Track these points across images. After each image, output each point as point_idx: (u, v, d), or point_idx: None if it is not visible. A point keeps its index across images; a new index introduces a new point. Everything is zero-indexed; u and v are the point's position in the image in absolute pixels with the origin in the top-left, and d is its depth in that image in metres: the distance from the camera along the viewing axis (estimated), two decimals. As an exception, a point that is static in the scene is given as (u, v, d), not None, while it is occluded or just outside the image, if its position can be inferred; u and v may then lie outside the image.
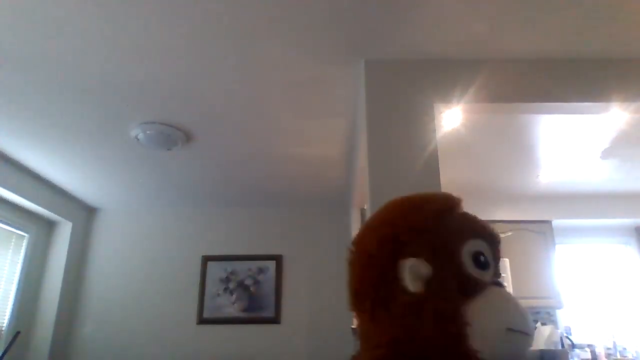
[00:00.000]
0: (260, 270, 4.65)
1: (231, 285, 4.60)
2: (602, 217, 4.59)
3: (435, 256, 0.74)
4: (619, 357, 3.84)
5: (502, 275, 0.82)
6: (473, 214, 0.86)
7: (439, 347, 0.69)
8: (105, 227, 4.85)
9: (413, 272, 0.72)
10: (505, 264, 3.90)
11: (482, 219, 0.87)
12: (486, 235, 0.79)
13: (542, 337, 3.48)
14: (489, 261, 0.77)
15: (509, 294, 0.77)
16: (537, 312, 4.42)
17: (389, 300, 0.73)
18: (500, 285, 0.77)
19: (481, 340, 0.68)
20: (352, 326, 4.04)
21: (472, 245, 0.76)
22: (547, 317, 4.45)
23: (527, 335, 0.73)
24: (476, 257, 0.76)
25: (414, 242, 0.75)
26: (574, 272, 4.74)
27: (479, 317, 0.70)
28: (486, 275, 0.76)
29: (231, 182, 4.18)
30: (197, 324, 4.47)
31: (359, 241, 0.84)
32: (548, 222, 4.43)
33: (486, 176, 4.14)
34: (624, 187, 4.29)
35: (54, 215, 4.26)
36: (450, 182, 3.29)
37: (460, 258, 0.74)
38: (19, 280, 4.02)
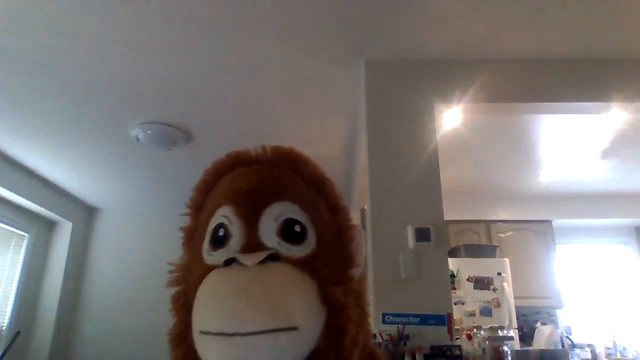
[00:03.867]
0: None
1: (231, 285, 4.59)
2: (602, 217, 4.59)
3: (188, 245, 0.63)
4: (619, 357, 3.84)
5: (288, 230, 0.56)
6: (256, 162, 0.64)
7: (172, 347, 0.60)
8: (105, 227, 4.85)
9: (174, 264, 0.63)
10: (506, 263, 3.90)
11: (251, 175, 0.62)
12: (231, 196, 0.57)
13: (542, 337, 3.48)
14: (229, 232, 0.56)
15: (223, 278, 0.52)
16: (538, 312, 4.42)
17: None
18: (229, 263, 0.53)
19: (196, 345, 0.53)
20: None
21: (215, 219, 0.58)
22: (547, 317, 4.45)
23: (228, 336, 0.47)
24: (213, 234, 0.57)
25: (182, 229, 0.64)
26: (574, 272, 4.74)
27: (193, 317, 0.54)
28: (223, 254, 0.55)
29: (231, 182, 4.18)
30: (197, 324, 4.47)
31: None
32: (548, 222, 4.43)
33: (486, 176, 4.14)
34: (624, 187, 4.29)
35: (54, 215, 4.26)
36: (450, 182, 3.31)
37: (202, 240, 0.59)
38: (19, 280, 4.02)
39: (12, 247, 3.99)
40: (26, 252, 4.13)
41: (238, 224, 0.55)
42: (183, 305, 0.59)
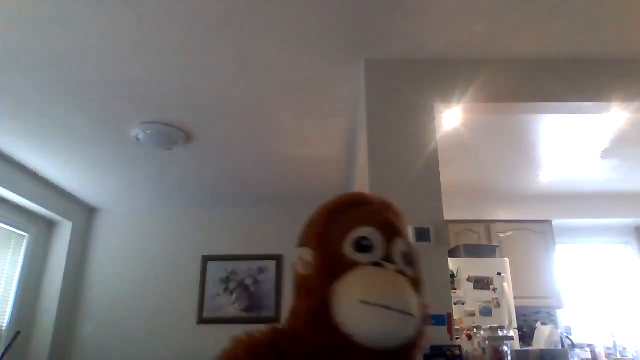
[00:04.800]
0: (261, 270, 4.65)
1: (231, 285, 4.60)
2: (602, 217, 4.59)
3: (319, 245, 0.84)
4: (619, 357, 3.84)
5: (405, 258, 0.82)
6: (381, 205, 0.92)
7: (306, 321, 0.78)
8: (105, 227, 4.85)
9: (300, 259, 0.85)
10: (506, 263, 3.90)
11: (393, 210, 0.92)
12: (375, 222, 0.83)
13: (542, 337, 3.48)
14: (373, 244, 0.80)
15: (381, 271, 0.78)
16: (538, 312, 4.42)
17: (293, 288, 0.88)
18: (380, 264, 0.78)
19: (341, 313, 0.74)
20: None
21: (356, 233, 0.81)
22: (547, 317, 4.45)
23: (387, 309, 0.71)
24: (357, 242, 0.80)
25: (307, 235, 0.88)
26: (574, 272, 4.74)
27: (339, 291, 0.75)
28: (368, 258, 0.79)
29: (231, 182, 4.18)
30: (197, 323, 4.47)
31: None
32: (548, 222, 4.43)
33: (486, 176, 4.14)
34: (624, 187, 4.29)
35: (54, 215, 4.27)
36: (450, 182, 3.31)
37: (340, 244, 0.81)
38: (19, 280, 4.02)
39: (12, 247, 3.98)
40: (26, 252, 4.12)
41: (381, 242, 0.81)
42: (326, 285, 0.77)
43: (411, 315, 0.73)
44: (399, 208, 0.93)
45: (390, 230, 0.84)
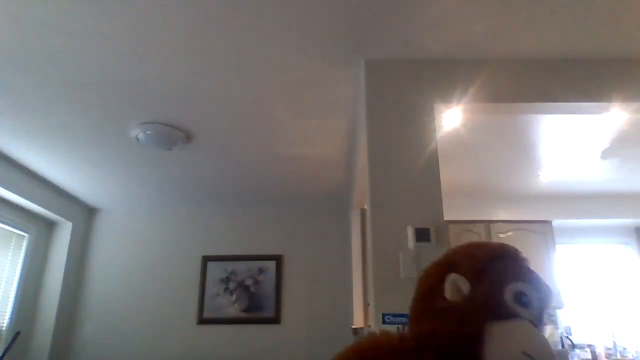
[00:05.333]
0: (260, 270, 4.65)
1: (231, 285, 4.60)
2: (602, 217, 4.59)
3: (477, 277, 0.88)
4: (619, 357, 3.84)
5: (549, 324, 0.90)
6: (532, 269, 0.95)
7: (448, 345, 0.83)
8: (105, 227, 4.85)
9: (452, 284, 0.89)
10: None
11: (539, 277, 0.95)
12: (534, 283, 0.89)
13: (542, 337, 3.47)
14: (531, 303, 0.87)
15: (538, 331, 0.84)
16: (537, 312, 4.41)
17: (430, 307, 0.92)
18: (535, 324, 0.85)
19: (495, 353, 0.80)
20: (352, 326, 4.04)
21: (517, 286, 0.87)
22: (547, 317, 4.44)
23: None
24: (518, 295, 0.86)
25: (463, 265, 0.91)
26: (574, 272, 4.74)
27: (500, 335, 0.82)
28: (525, 313, 0.85)
29: (231, 182, 4.18)
30: (197, 324, 4.48)
31: (427, 268, 1.07)
32: (548, 222, 4.43)
33: (486, 176, 4.14)
34: (624, 187, 4.29)
35: (54, 215, 4.27)
36: (450, 182, 3.31)
37: (501, 290, 0.86)
38: (19, 280, 4.02)
39: (12, 247, 3.99)
40: (26, 252, 4.13)
41: (535, 301, 0.87)
42: (484, 321, 0.84)
43: None
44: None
45: (545, 295, 0.90)
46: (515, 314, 0.84)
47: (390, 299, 1.92)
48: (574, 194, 4.46)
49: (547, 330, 3.50)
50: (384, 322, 1.85)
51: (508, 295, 0.86)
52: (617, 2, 1.98)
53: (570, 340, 3.74)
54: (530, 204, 4.55)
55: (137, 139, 3.14)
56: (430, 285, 0.97)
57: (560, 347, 3.35)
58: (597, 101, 2.27)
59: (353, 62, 2.37)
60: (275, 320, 4.49)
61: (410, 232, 1.98)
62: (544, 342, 0.83)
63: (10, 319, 3.91)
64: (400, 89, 2.30)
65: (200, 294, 4.56)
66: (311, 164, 3.76)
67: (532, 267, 0.96)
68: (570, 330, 4.15)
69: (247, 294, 4.57)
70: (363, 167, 2.42)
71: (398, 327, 1.79)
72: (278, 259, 4.67)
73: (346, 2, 1.95)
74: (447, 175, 2.26)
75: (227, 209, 4.86)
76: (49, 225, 4.48)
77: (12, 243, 4.00)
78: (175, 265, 4.67)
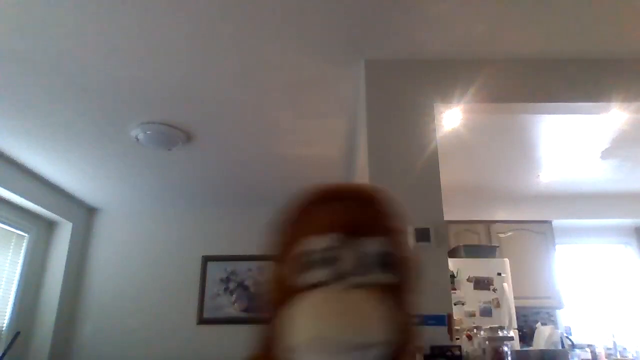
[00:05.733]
0: (261, 270, 4.65)
1: (231, 285, 4.60)
2: (602, 217, 4.59)
3: (274, 264, 0.68)
4: (619, 357, 3.84)
5: (381, 260, 0.62)
6: (355, 198, 0.70)
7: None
8: (105, 227, 4.85)
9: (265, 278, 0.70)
10: (506, 264, 3.90)
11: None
12: (331, 226, 0.63)
13: (542, 337, 3.48)
14: (327, 258, 0.60)
15: (320, 296, 0.59)
16: (538, 312, 4.42)
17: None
18: (325, 284, 0.59)
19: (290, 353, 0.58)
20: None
21: (311, 243, 0.62)
22: (547, 317, 4.45)
23: (326, 350, 0.54)
24: (308, 257, 0.61)
25: (270, 241, 0.71)
26: (574, 272, 4.74)
27: (282, 332, 0.59)
28: (312, 277, 0.60)
29: (231, 182, 4.18)
30: (197, 324, 4.47)
31: None
32: (548, 222, 4.43)
33: (486, 176, 4.14)
34: (624, 187, 4.29)
35: (54, 215, 4.26)
36: (450, 182, 3.30)
37: (289, 262, 0.64)
38: (19, 280, 4.02)
39: (12, 247, 3.98)
40: (26, 252, 4.12)
41: (337, 252, 0.61)
42: (276, 315, 0.63)
43: (358, 346, 0.54)
44: (376, 194, 0.72)
45: (354, 230, 0.64)
46: (295, 289, 0.60)
47: (390, 299, 1.92)
48: (574, 194, 4.46)
49: (547, 330, 3.50)
50: (384, 322, 1.84)
51: (292, 266, 0.62)
52: (617, 2, 1.99)
53: (570, 340, 3.74)
54: (530, 204, 4.55)
55: (137, 139, 3.14)
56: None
57: (560, 347, 3.35)
58: (597, 101, 2.27)
59: (353, 62, 2.36)
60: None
61: (410, 232, 1.98)
62: (317, 314, 0.57)
63: (10, 319, 3.91)
64: (400, 89, 2.31)
65: (200, 294, 4.55)
66: (311, 164, 3.76)
67: (352, 205, 0.68)
68: (570, 330, 4.15)
69: (247, 294, 4.57)
70: (363, 167, 2.42)
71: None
72: (278, 259, 4.67)
73: (346, 2, 1.95)
74: (447, 175, 2.26)
75: (227, 209, 4.85)
76: (49, 225, 4.48)
77: (12, 243, 4.00)
78: (175, 265, 4.66)
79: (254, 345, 0.67)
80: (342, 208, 0.68)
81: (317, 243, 0.62)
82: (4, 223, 3.84)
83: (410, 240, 0.77)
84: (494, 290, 3.77)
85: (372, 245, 0.63)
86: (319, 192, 0.72)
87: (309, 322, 0.57)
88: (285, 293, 0.61)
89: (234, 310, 4.51)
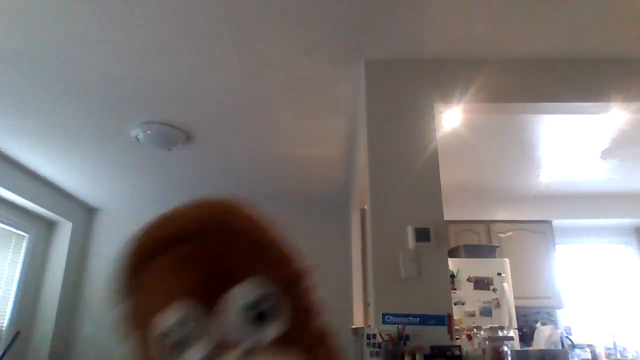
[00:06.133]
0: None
1: (231, 285, 4.59)
2: (602, 217, 4.59)
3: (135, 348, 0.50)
4: (619, 357, 3.84)
5: (257, 310, 0.45)
6: (199, 236, 0.49)
7: None
8: (105, 227, 4.85)
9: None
10: (506, 264, 3.90)
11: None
12: (185, 290, 0.46)
13: (542, 337, 3.48)
14: (188, 337, 0.44)
15: None
16: (538, 312, 4.42)
17: None
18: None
19: None
20: (352, 326, 4.04)
21: (155, 326, 0.45)
22: (547, 317, 4.44)
23: None
24: (159, 344, 0.45)
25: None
26: (574, 272, 4.74)
27: None
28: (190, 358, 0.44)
29: (231, 182, 4.18)
30: (197, 324, 4.47)
31: None
32: (548, 222, 4.43)
33: (486, 176, 4.13)
34: (624, 187, 4.29)
35: (54, 215, 4.26)
36: (450, 182, 3.31)
37: (148, 343, 0.46)
38: (19, 280, 4.02)
39: (12, 247, 3.98)
40: (26, 252, 4.12)
41: (196, 324, 0.45)
42: None
43: None
44: (245, 215, 0.53)
45: (211, 287, 0.46)
46: None
47: (390, 299, 1.92)
48: (574, 194, 4.46)
49: (547, 330, 3.50)
50: (384, 322, 1.85)
51: (155, 349, 0.45)
52: (617, 2, 1.98)
53: (570, 340, 3.74)
54: (530, 204, 4.55)
55: (137, 139, 3.14)
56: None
57: (560, 347, 3.35)
58: (597, 101, 2.27)
59: (353, 62, 2.36)
60: (275, 320, 4.48)
61: (410, 232, 1.98)
62: None
63: (10, 319, 3.91)
64: (400, 89, 2.30)
65: (200, 294, 4.55)
66: (311, 164, 3.76)
67: (202, 248, 0.48)
68: (570, 330, 4.15)
69: (247, 294, 4.57)
70: (363, 167, 2.42)
71: (398, 327, 1.79)
72: (278, 259, 4.67)
73: (346, 2, 1.95)
74: (447, 175, 2.26)
75: (227, 209, 4.85)
76: (49, 225, 4.48)
77: (12, 243, 4.00)
78: (175, 265, 4.66)
79: None
80: (189, 256, 0.48)
81: (170, 319, 0.45)
82: (4, 223, 3.84)
83: (301, 255, 0.52)
84: (494, 290, 3.77)
85: (246, 295, 0.45)
86: (152, 242, 0.53)
87: None
88: None
89: (234, 310, 4.51)
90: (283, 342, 0.46)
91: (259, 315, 0.45)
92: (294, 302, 0.48)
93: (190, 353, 0.44)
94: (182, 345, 0.44)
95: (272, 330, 0.45)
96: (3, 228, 3.86)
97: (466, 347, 2.30)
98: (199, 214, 0.52)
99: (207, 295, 0.45)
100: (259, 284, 0.46)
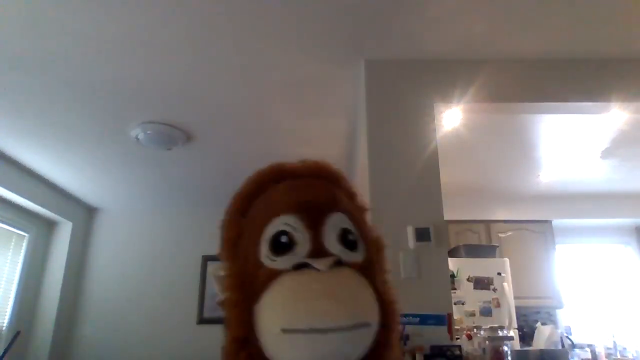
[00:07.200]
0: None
1: (231, 285, 4.59)
2: (602, 217, 4.59)
3: (233, 254, 0.64)
4: (619, 357, 3.84)
5: (346, 238, 0.61)
6: (308, 174, 0.69)
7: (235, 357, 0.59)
8: (105, 227, 4.85)
9: (215, 278, 0.65)
10: (506, 263, 3.90)
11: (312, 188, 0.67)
12: (296, 205, 0.61)
13: (542, 337, 3.48)
14: (295, 240, 0.59)
15: (303, 278, 0.57)
16: (538, 312, 4.42)
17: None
18: (306, 265, 0.57)
19: (266, 348, 0.56)
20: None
21: (272, 227, 0.60)
22: (547, 317, 4.45)
23: (317, 332, 0.52)
24: (273, 241, 0.60)
25: (220, 243, 0.67)
26: (574, 272, 4.74)
27: (260, 319, 0.57)
28: (288, 261, 0.58)
29: (231, 182, 4.16)
30: (197, 324, 4.47)
31: None
32: (548, 222, 4.43)
33: (486, 176, 4.14)
34: (624, 187, 4.29)
35: (54, 215, 4.26)
36: (450, 182, 3.30)
37: (255, 248, 0.61)
38: (19, 280, 4.02)
39: (12, 247, 3.98)
40: (26, 252, 4.12)
41: (304, 232, 0.60)
42: (245, 309, 0.59)
43: (354, 326, 0.54)
44: (336, 171, 0.71)
45: (319, 208, 0.62)
46: (273, 272, 0.58)
47: (390, 299, 1.92)
48: (574, 194, 4.46)
49: (547, 330, 3.49)
50: (384, 322, 1.84)
51: (264, 250, 0.60)
52: (617, 2, 1.99)
53: (570, 340, 3.74)
54: (530, 204, 4.55)
55: (137, 139, 3.14)
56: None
57: (560, 347, 3.35)
58: (597, 101, 2.27)
59: (353, 62, 2.37)
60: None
61: (410, 232, 1.98)
62: (305, 296, 0.54)
63: (10, 319, 3.91)
64: (400, 89, 2.31)
65: (200, 294, 4.55)
66: (311, 164, 3.75)
67: (309, 182, 0.67)
68: (570, 330, 4.15)
69: (247, 294, 4.57)
70: (363, 167, 2.42)
71: (398, 327, 1.79)
72: (278, 259, 4.67)
73: (346, 2, 1.95)
74: (447, 175, 2.26)
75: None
76: (49, 225, 4.48)
77: (12, 243, 4.00)
78: (175, 265, 4.66)
79: (226, 340, 0.63)
80: (304, 186, 0.66)
81: (284, 224, 0.60)
82: (4, 223, 3.84)
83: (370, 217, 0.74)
84: (494, 290, 3.77)
85: (339, 223, 0.62)
86: (276, 171, 0.72)
87: (296, 305, 0.54)
88: (260, 283, 0.58)
89: (234, 310, 4.51)
90: (363, 270, 0.60)
91: (350, 241, 0.61)
92: (372, 248, 0.65)
93: (294, 252, 0.58)
94: (287, 247, 0.59)
95: (356, 255, 0.61)
96: (3, 228, 3.86)
97: (466, 346, 2.31)
98: (316, 163, 0.71)
99: (311, 214, 0.60)
100: (351, 218, 0.63)
